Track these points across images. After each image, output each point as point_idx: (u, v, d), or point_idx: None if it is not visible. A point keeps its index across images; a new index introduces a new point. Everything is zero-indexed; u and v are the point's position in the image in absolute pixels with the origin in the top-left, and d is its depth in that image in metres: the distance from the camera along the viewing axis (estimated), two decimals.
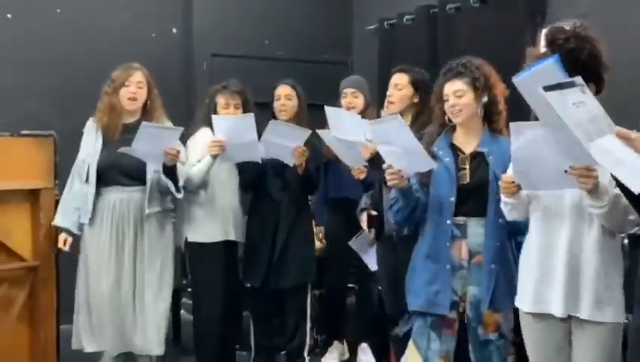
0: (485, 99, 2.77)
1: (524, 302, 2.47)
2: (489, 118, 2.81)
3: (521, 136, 2.23)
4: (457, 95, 2.76)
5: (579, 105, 1.80)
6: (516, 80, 2.04)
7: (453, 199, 2.73)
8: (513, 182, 2.43)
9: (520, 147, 2.26)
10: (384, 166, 2.73)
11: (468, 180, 2.76)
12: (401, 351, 3.42)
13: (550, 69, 1.82)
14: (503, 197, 2.53)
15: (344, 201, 4.13)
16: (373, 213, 3.66)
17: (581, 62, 2.26)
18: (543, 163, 2.19)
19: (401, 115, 3.55)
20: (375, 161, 3.33)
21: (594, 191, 2.16)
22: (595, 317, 2.31)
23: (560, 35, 2.34)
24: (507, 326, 2.76)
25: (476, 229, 2.74)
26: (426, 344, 2.74)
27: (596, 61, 2.32)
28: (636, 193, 1.69)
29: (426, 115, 3.30)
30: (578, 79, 1.84)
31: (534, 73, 1.91)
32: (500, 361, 2.75)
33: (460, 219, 2.74)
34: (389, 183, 2.72)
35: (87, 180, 3.52)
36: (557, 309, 2.35)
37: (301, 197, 3.97)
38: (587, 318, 2.31)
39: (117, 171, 3.51)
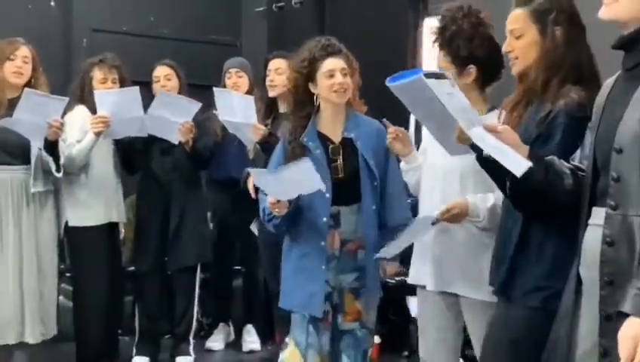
0: (358, 84, 2.71)
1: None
2: (350, 103, 2.71)
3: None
4: (344, 73, 2.61)
5: (450, 95, 1.87)
6: (390, 84, 2.07)
7: (328, 196, 2.58)
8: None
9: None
10: (268, 200, 2.53)
11: (342, 174, 2.64)
12: (285, 331, 3.48)
13: (419, 82, 1.89)
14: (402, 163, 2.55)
15: (230, 182, 4.11)
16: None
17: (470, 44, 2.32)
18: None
19: (280, 100, 3.61)
20: (266, 143, 3.34)
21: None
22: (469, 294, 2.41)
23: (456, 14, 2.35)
24: (370, 314, 2.71)
25: (348, 217, 2.64)
26: (305, 339, 2.63)
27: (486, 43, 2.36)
28: (519, 176, 1.77)
29: None
30: (448, 74, 1.93)
31: (407, 83, 1.96)
32: (360, 352, 2.67)
33: (333, 209, 2.62)
34: (275, 213, 2.55)
35: None
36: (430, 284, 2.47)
37: (192, 177, 3.92)
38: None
39: None
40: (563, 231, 1.91)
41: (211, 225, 4.28)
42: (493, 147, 1.82)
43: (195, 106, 3.61)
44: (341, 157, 2.63)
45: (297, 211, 2.59)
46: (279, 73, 3.58)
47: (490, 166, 1.87)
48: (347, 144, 2.66)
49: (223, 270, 4.33)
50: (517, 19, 2.08)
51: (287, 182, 2.44)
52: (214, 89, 3.48)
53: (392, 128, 2.53)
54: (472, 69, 2.37)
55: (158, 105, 3.56)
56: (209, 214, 4.30)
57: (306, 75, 2.63)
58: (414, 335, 3.90)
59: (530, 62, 2.06)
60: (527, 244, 1.99)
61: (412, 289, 4.06)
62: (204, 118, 3.76)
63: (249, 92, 3.96)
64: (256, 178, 2.59)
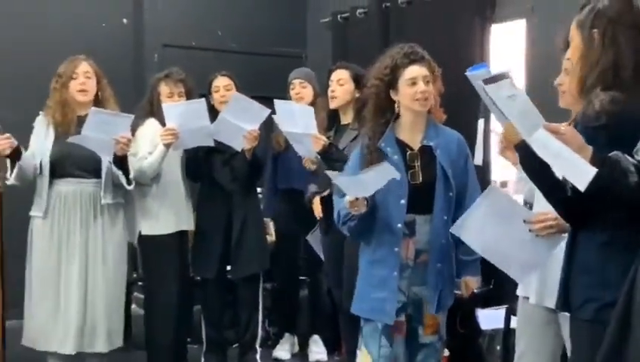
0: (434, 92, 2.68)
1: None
2: (429, 111, 2.69)
3: (468, 233, 2.24)
4: (427, 80, 2.58)
5: (512, 98, 1.81)
6: (469, 74, 2.04)
7: (404, 202, 2.56)
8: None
9: (476, 241, 2.24)
10: (346, 199, 2.50)
11: (420, 180, 2.61)
12: (351, 343, 3.46)
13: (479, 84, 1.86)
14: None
15: (293, 193, 4.13)
16: (326, 193, 3.63)
17: None
18: (505, 241, 2.16)
19: (342, 112, 3.61)
20: (327, 153, 3.34)
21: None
22: None
23: None
24: (444, 326, 2.71)
25: (423, 227, 2.60)
26: (377, 350, 2.59)
27: None
28: (582, 190, 1.71)
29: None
30: (507, 72, 1.86)
31: (484, 73, 1.93)
32: None
33: (409, 217, 2.59)
34: (353, 212, 2.51)
35: (40, 173, 3.45)
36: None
37: (251, 187, 3.96)
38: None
39: (69, 163, 3.45)
40: (611, 241, 1.83)
41: (274, 235, 4.30)
42: (555, 155, 1.75)
43: (265, 113, 3.63)
44: (419, 164, 2.61)
45: (372, 215, 2.56)
46: (341, 84, 3.57)
47: (536, 171, 1.81)
48: (426, 152, 2.64)
49: (287, 280, 4.34)
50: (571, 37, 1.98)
51: (367, 182, 2.44)
52: (275, 101, 3.51)
53: (501, 137, 2.45)
54: None
55: (231, 108, 3.60)
56: (272, 224, 4.33)
57: (387, 82, 2.61)
58: (483, 349, 3.83)
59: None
60: (575, 255, 1.92)
61: (483, 302, 4.05)
62: (265, 127, 3.79)
63: (313, 102, 3.97)
64: (335, 178, 2.56)
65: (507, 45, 4.51)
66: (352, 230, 2.61)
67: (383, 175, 2.42)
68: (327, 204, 3.51)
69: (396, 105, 2.64)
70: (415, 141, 2.65)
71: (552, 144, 1.73)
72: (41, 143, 3.48)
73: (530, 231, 2.12)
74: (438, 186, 2.61)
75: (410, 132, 2.66)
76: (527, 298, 2.48)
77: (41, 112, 3.57)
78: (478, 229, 2.24)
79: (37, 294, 3.48)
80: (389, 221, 2.58)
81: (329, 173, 2.64)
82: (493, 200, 2.22)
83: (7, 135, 3.33)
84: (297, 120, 3.40)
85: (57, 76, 3.53)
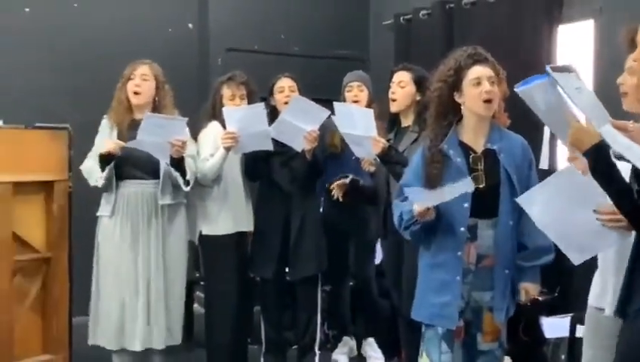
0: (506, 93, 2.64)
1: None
2: (494, 115, 2.65)
3: (534, 206, 2.20)
4: (491, 81, 2.54)
5: (579, 90, 1.78)
6: (518, 90, 2.02)
7: (467, 205, 2.52)
8: None
9: (540, 214, 2.21)
10: (415, 207, 2.50)
11: (484, 183, 2.57)
12: (411, 349, 3.43)
13: (545, 85, 1.82)
14: None
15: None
16: (347, 180, 3.61)
17: None
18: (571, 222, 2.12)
19: (402, 114, 3.57)
20: (386, 156, 3.32)
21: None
22: None
23: None
24: (505, 333, 2.66)
25: (486, 231, 2.57)
26: (438, 356, 2.55)
27: None
28: None
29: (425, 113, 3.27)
30: (572, 65, 1.83)
31: (534, 87, 1.90)
32: None
33: (471, 221, 2.56)
34: (420, 219, 2.52)
35: None
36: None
37: (310, 188, 3.96)
38: None
39: (131, 165, 3.54)
40: None
41: None
42: (627, 147, 1.70)
43: (325, 114, 3.64)
44: (482, 167, 2.57)
45: (436, 220, 2.54)
46: (402, 86, 3.53)
47: (604, 172, 1.74)
48: (489, 155, 2.61)
49: (341, 283, 4.32)
50: None
51: (443, 194, 2.45)
52: (334, 103, 3.51)
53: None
54: None
55: (292, 110, 3.63)
56: None
57: (451, 84, 2.59)
58: (547, 357, 3.72)
59: None
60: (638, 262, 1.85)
61: (546, 309, 3.95)
62: (322, 129, 3.79)
63: (369, 105, 3.94)
64: (407, 191, 2.55)
65: (575, 47, 4.38)
66: (414, 234, 2.60)
67: (460, 188, 2.43)
68: (351, 190, 3.50)
69: (462, 108, 2.61)
70: (478, 144, 2.62)
71: (620, 139, 1.71)
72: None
73: (597, 219, 2.05)
74: (503, 190, 2.57)
75: (474, 135, 2.62)
76: (600, 309, 2.37)
77: (105, 115, 3.67)
78: (545, 204, 2.19)
79: (103, 292, 3.58)
80: (452, 225, 2.54)
81: (406, 190, 2.59)
82: (568, 178, 2.16)
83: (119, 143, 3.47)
84: (357, 122, 3.39)
85: (121, 77, 3.64)
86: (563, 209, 2.14)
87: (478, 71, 2.55)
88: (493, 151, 2.60)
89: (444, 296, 2.55)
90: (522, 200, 2.28)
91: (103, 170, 3.50)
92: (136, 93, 3.60)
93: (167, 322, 3.60)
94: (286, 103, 3.86)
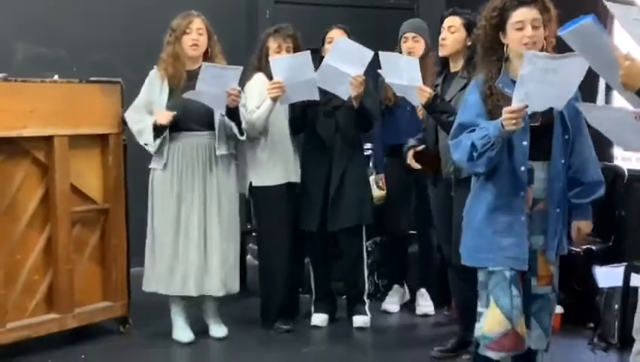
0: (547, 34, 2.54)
1: None
2: None
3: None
4: (535, 24, 2.48)
5: (637, 22, 1.75)
6: (562, 33, 1.98)
7: (526, 143, 2.48)
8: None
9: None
10: (511, 107, 2.36)
11: (539, 121, 2.50)
12: (461, 298, 3.44)
13: (590, 27, 1.77)
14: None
15: (402, 147, 4.09)
16: (420, 147, 3.59)
17: None
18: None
19: (452, 59, 3.50)
20: (431, 105, 3.29)
21: None
22: None
23: None
24: (557, 278, 2.64)
25: (540, 174, 2.54)
26: (510, 301, 2.47)
27: None
28: None
29: (476, 58, 3.19)
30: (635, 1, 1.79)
31: (579, 29, 1.87)
32: (548, 315, 2.61)
33: (528, 164, 2.51)
34: (511, 126, 2.37)
35: None
36: None
37: (354, 140, 3.94)
38: None
39: (186, 117, 3.60)
40: None
41: (385, 189, 4.30)
42: None
43: (369, 54, 3.58)
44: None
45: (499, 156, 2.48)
46: (452, 32, 3.46)
47: None
48: None
49: (396, 234, 4.34)
50: None
51: (556, 93, 2.39)
52: (380, 53, 3.46)
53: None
54: None
55: (334, 54, 3.60)
56: (382, 178, 4.32)
57: (495, 25, 2.55)
58: (600, 307, 3.69)
59: None
60: None
61: (599, 259, 3.89)
62: (370, 84, 3.75)
63: (424, 56, 3.92)
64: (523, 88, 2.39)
65: None
66: (490, 161, 2.45)
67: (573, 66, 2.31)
68: (422, 157, 3.49)
69: (505, 49, 2.56)
70: None
71: None
72: (157, 97, 3.63)
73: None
74: (556, 128, 2.53)
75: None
76: None
77: (155, 66, 3.71)
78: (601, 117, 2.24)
79: (159, 241, 3.68)
80: (513, 164, 2.49)
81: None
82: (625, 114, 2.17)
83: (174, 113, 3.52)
84: (403, 72, 3.35)
85: (171, 30, 3.66)
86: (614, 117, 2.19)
87: (521, 14, 2.49)
88: None
89: (511, 237, 2.50)
90: (582, 106, 2.33)
91: (155, 138, 3.56)
92: (194, 45, 3.63)
93: (223, 271, 3.68)
94: None
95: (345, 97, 3.72)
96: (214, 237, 3.66)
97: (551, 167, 2.54)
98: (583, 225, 2.67)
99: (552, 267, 2.61)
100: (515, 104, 2.36)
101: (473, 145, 2.45)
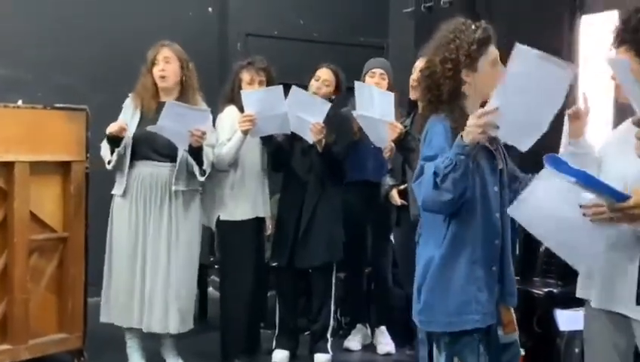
0: None
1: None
2: None
3: (525, 216, 2.17)
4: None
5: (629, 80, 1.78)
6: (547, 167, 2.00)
7: (497, 189, 2.32)
8: None
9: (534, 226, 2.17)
10: (481, 110, 2.15)
11: (501, 165, 2.36)
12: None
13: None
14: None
15: (364, 184, 4.10)
16: (403, 186, 3.59)
17: None
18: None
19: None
20: (402, 142, 3.30)
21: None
22: None
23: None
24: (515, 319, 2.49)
25: None
26: (477, 360, 2.31)
27: None
28: None
29: None
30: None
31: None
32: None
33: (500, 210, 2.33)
34: (477, 134, 2.15)
35: (123, 153, 3.57)
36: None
37: (327, 177, 3.94)
38: None
39: (148, 146, 3.57)
40: None
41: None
42: None
43: (326, 106, 3.64)
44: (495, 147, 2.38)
45: (472, 205, 2.27)
46: None
47: None
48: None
49: (357, 271, 4.32)
50: None
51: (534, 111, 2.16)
52: (355, 83, 3.48)
53: (575, 107, 2.36)
54: None
55: (292, 102, 3.62)
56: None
57: (465, 62, 2.35)
58: (561, 350, 3.70)
59: None
60: None
61: (560, 301, 3.91)
62: (343, 118, 3.77)
63: None
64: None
65: (597, 38, 4.33)
66: (455, 185, 2.18)
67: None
68: (403, 196, 3.48)
69: (465, 87, 2.37)
70: None
71: None
72: (128, 124, 3.59)
73: (583, 215, 2.01)
74: (505, 171, 2.40)
75: None
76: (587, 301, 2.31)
77: (130, 94, 3.69)
78: (535, 211, 2.11)
79: (115, 271, 3.62)
80: (489, 211, 2.30)
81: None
82: (550, 180, 2.07)
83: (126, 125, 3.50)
84: (376, 105, 3.37)
85: (146, 61, 3.66)
86: (553, 212, 2.08)
87: (495, 51, 2.34)
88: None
89: (486, 290, 2.29)
90: (512, 210, 2.18)
91: (112, 152, 3.52)
92: (161, 77, 3.61)
93: (178, 306, 3.62)
94: (315, 93, 3.88)
95: (310, 141, 3.73)
96: (170, 271, 3.60)
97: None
98: None
99: (512, 311, 2.46)
100: (487, 107, 2.14)
101: (435, 172, 2.22)
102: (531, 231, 2.19)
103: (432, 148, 2.31)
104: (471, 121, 2.15)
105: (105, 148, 3.60)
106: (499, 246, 2.32)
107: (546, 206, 2.10)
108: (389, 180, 3.61)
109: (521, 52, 2.08)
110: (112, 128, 3.49)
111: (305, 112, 3.64)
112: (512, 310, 2.48)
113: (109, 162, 3.57)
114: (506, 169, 2.41)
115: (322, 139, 3.72)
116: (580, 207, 2.01)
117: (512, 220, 2.36)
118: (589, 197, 2.00)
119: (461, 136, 2.17)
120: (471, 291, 2.28)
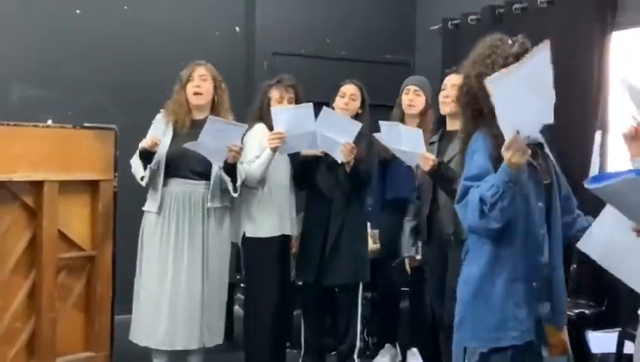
0: None
1: None
2: None
3: (596, 249, 2.16)
4: None
5: None
6: (591, 187, 1.93)
7: (542, 204, 2.29)
8: None
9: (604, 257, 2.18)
10: (506, 143, 2.11)
11: (548, 178, 2.34)
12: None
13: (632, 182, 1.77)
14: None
15: (400, 202, 4.07)
16: (418, 258, 3.66)
17: None
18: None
19: (451, 118, 3.48)
20: (436, 173, 3.27)
21: None
22: None
23: None
24: (569, 345, 2.40)
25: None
26: None
27: None
28: None
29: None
30: None
31: (615, 185, 1.84)
32: None
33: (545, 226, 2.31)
34: (514, 160, 2.10)
35: (157, 169, 3.60)
36: None
37: (353, 195, 3.92)
38: None
39: (183, 164, 3.58)
40: None
41: (379, 244, 4.26)
42: None
43: (357, 127, 3.63)
44: (540, 161, 2.31)
45: (514, 221, 2.25)
46: (456, 89, 3.47)
47: None
48: (537, 150, 2.32)
49: (388, 290, 4.28)
50: None
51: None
52: (380, 123, 3.48)
53: (631, 126, 2.27)
54: None
55: (322, 122, 3.61)
56: (377, 233, 4.29)
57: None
58: None
59: None
60: None
61: (592, 323, 3.83)
62: (371, 137, 3.75)
63: (424, 112, 3.97)
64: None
65: (629, 54, 4.26)
66: (504, 213, 2.17)
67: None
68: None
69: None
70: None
71: None
72: (160, 139, 3.60)
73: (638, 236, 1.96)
74: (555, 185, 2.37)
75: None
76: None
77: (161, 110, 3.72)
78: (605, 243, 2.10)
79: (145, 289, 3.62)
80: (533, 228, 2.27)
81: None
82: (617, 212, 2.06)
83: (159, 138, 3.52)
84: (404, 140, 3.35)
85: (179, 79, 3.70)
86: (622, 243, 2.05)
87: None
88: (541, 145, 2.34)
89: (525, 307, 2.27)
90: (582, 245, 2.17)
91: (144, 167, 3.54)
92: (196, 93, 3.64)
93: (208, 322, 3.61)
94: (344, 110, 3.90)
95: (339, 161, 3.72)
96: (201, 290, 3.59)
97: (552, 228, 2.35)
98: None
99: (562, 332, 2.38)
100: (507, 137, 2.12)
101: (481, 199, 2.20)
102: (601, 263, 2.19)
103: (475, 167, 2.29)
104: (503, 154, 2.12)
105: (136, 164, 3.60)
106: (542, 263, 2.28)
107: (615, 236, 2.09)
108: (410, 250, 3.65)
109: (493, 81, 2.07)
110: (145, 143, 3.50)
111: (335, 132, 3.62)
112: (566, 332, 2.41)
113: (141, 178, 3.58)
114: (557, 183, 2.37)
115: (352, 160, 3.70)
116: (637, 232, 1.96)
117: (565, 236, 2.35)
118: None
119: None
120: (509, 307, 2.26)
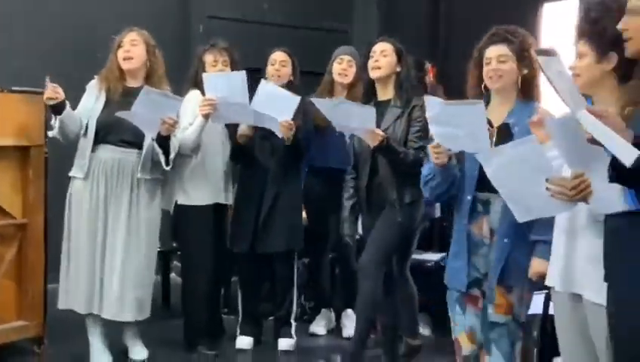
0: (526, 71, 2.67)
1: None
2: (526, 91, 2.70)
3: (492, 164, 2.36)
4: (501, 60, 2.66)
5: (560, 74, 1.85)
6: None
7: (476, 173, 2.62)
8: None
9: (495, 172, 2.35)
10: (431, 144, 2.63)
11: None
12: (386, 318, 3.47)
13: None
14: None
15: (327, 171, 4.10)
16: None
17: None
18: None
19: (380, 86, 3.54)
20: (385, 148, 3.31)
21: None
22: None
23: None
24: (521, 308, 2.66)
25: (499, 206, 2.60)
26: (454, 316, 2.77)
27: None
28: (629, 165, 1.70)
29: (406, 85, 3.43)
30: (554, 49, 1.92)
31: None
32: (507, 346, 2.65)
33: (484, 195, 2.64)
34: (434, 161, 2.64)
35: (85, 135, 3.52)
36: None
37: (289, 164, 3.93)
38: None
39: (114, 131, 3.50)
40: None
41: (304, 213, 4.26)
42: (602, 133, 1.75)
43: (295, 102, 3.61)
44: (495, 140, 2.61)
45: (455, 181, 2.71)
46: (384, 55, 3.50)
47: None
48: (505, 129, 2.66)
49: (320, 256, 4.34)
50: None
51: (468, 140, 2.51)
52: (336, 102, 3.49)
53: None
54: (614, 56, 2.16)
55: (261, 97, 3.58)
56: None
57: (476, 63, 2.74)
58: None
59: None
60: None
61: None
62: (307, 106, 3.75)
63: (353, 83, 4.00)
64: (435, 128, 2.63)
65: (559, 26, 4.39)
66: (433, 190, 2.76)
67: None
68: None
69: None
70: (498, 118, 2.70)
71: (596, 124, 1.76)
72: (91, 106, 3.53)
73: (547, 189, 2.09)
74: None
75: (497, 110, 2.71)
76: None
77: (95, 76, 3.62)
78: (503, 165, 2.35)
79: (74, 256, 3.55)
80: (462, 194, 2.71)
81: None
82: (529, 147, 2.29)
83: (56, 85, 3.37)
84: (355, 118, 3.34)
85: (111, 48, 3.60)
86: (518, 171, 2.27)
87: (490, 51, 2.69)
88: (507, 125, 2.66)
89: (457, 261, 2.73)
90: (481, 156, 2.43)
91: (54, 118, 3.42)
92: (126, 58, 3.55)
93: (136, 294, 3.55)
94: (274, 77, 3.88)
95: (280, 136, 3.69)
96: (128, 259, 3.53)
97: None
98: (536, 263, 2.62)
99: (511, 296, 2.63)
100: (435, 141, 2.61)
101: (424, 175, 2.75)
102: (490, 176, 2.42)
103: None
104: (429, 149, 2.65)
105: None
106: (466, 226, 2.69)
107: (513, 164, 2.30)
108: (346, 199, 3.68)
109: (428, 101, 2.63)
110: (48, 94, 3.35)
111: (273, 109, 3.58)
112: (512, 296, 2.64)
113: (52, 132, 3.47)
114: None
115: (291, 136, 3.70)
116: (546, 180, 2.08)
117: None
118: (558, 174, 2.10)
119: None
120: (450, 257, 2.82)
